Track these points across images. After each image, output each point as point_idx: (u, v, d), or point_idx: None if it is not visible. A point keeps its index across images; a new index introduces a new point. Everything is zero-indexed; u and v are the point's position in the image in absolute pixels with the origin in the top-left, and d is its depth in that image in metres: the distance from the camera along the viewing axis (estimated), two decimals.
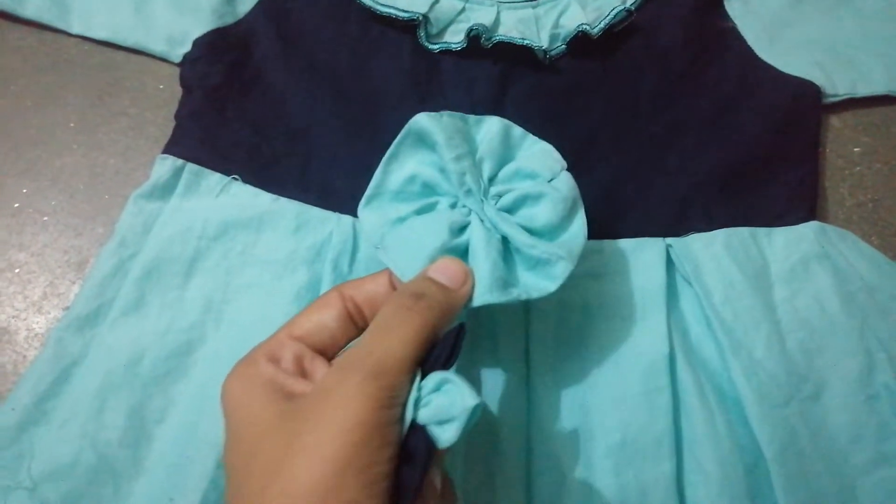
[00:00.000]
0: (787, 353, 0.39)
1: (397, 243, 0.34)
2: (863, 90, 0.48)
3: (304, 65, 0.47)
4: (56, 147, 0.47)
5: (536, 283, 0.34)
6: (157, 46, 0.49)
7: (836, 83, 0.47)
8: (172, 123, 0.46)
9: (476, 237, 0.34)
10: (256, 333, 0.38)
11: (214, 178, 0.44)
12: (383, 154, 0.44)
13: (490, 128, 0.37)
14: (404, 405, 0.27)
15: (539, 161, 0.36)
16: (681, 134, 0.46)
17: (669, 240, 0.43)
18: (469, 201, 0.35)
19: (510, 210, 0.35)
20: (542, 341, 0.40)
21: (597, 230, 0.42)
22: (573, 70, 0.47)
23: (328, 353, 0.31)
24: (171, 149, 0.44)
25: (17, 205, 0.46)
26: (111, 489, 0.36)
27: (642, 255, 0.42)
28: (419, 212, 0.35)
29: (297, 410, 0.26)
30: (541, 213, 0.34)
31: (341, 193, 0.44)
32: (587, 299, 0.41)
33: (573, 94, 0.47)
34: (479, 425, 0.38)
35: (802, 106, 0.47)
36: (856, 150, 0.48)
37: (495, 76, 0.47)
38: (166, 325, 0.40)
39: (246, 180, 0.44)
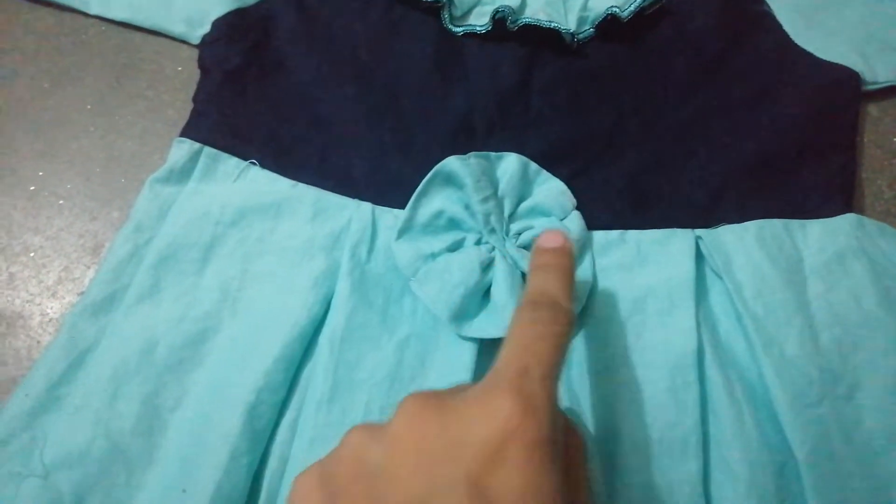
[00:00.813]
0: (821, 350, 0.38)
1: (431, 278, 0.38)
2: None
3: (324, 48, 0.46)
4: (73, 129, 0.47)
5: None
6: (176, 27, 0.48)
7: (877, 70, 0.45)
8: (190, 106, 0.45)
9: (500, 273, 0.38)
10: (273, 322, 0.38)
11: (232, 163, 0.43)
12: (404, 140, 0.44)
13: (509, 165, 0.41)
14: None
15: (553, 200, 0.41)
16: (712, 121, 0.44)
17: (699, 231, 0.41)
18: (492, 238, 0.40)
19: (528, 247, 0.40)
20: None
21: (624, 220, 0.42)
22: (602, 54, 0.46)
23: None
24: (188, 132, 0.44)
25: (32, 188, 0.45)
26: (124, 478, 0.35)
27: (671, 247, 0.41)
28: (450, 248, 0.40)
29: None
30: None
31: (361, 180, 0.43)
32: (613, 292, 0.40)
33: (601, 79, 0.45)
34: None
35: (840, 94, 0.45)
36: (895, 140, 0.46)
37: (521, 60, 0.45)
38: (181, 313, 0.39)
39: (264, 165, 0.43)
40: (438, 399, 0.26)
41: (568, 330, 0.29)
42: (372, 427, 0.26)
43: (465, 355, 0.38)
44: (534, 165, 0.42)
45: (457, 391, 0.27)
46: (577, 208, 0.41)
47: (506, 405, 0.24)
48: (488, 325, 0.38)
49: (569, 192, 0.41)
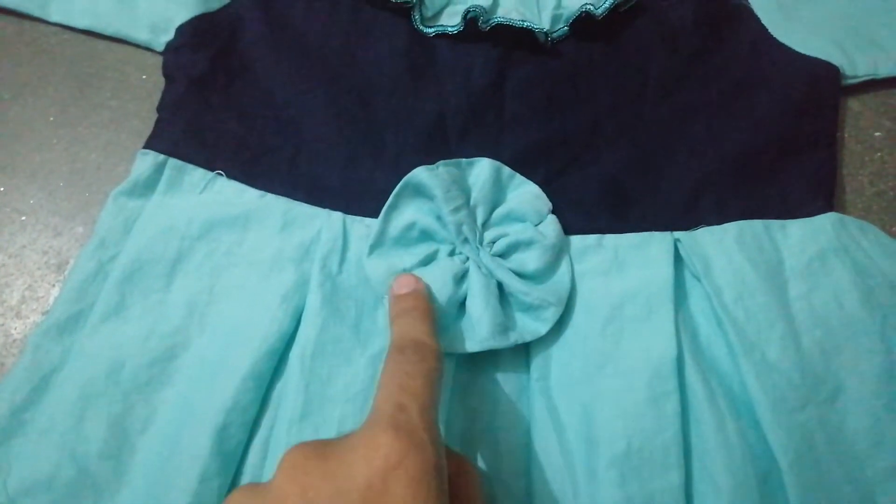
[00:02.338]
0: (803, 353, 0.37)
1: None
2: (885, 70, 0.45)
3: (293, 52, 0.45)
4: (35, 142, 0.45)
5: (528, 326, 0.38)
6: (140, 34, 0.47)
7: (857, 63, 0.44)
8: (156, 116, 0.44)
9: (475, 285, 0.38)
10: (242, 338, 0.37)
11: (198, 174, 0.42)
12: (376, 146, 0.43)
13: (481, 171, 0.41)
14: None
15: (528, 204, 0.40)
16: (691, 120, 0.43)
17: (678, 234, 0.40)
18: (466, 249, 0.39)
19: (503, 255, 0.39)
20: (541, 345, 0.38)
21: (601, 224, 0.41)
22: (576, 53, 0.45)
23: None
24: (152, 143, 0.42)
25: None
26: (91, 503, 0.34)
27: (649, 251, 0.40)
28: (423, 262, 0.39)
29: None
30: (531, 260, 0.38)
31: (331, 188, 0.42)
32: (590, 298, 0.39)
33: (577, 78, 0.44)
34: (477, 435, 0.36)
35: (820, 88, 0.44)
36: (876, 134, 0.45)
37: (494, 61, 0.44)
38: (148, 330, 0.38)
39: (231, 175, 0.42)
40: (320, 448, 0.26)
41: (438, 366, 0.30)
42: (254, 487, 0.26)
43: (447, 361, 0.37)
44: (507, 170, 0.41)
45: (340, 438, 0.27)
46: (553, 212, 0.40)
47: (386, 442, 0.25)
48: (464, 338, 0.37)
49: (544, 196, 0.41)
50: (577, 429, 0.36)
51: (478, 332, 0.36)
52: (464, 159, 0.41)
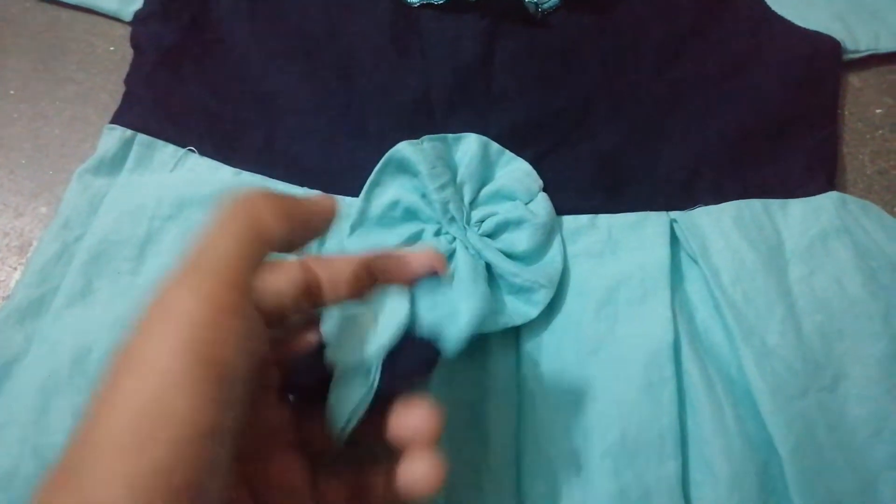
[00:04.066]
0: (804, 338, 0.36)
1: None
2: (886, 44, 0.43)
3: (269, 22, 0.43)
4: None
5: (518, 309, 0.36)
6: (108, 3, 0.45)
7: (858, 37, 0.43)
8: (123, 90, 0.41)
9: (462, 266, 0.35)
10: None
11: (168, 151, 0.40)
12: (357, 122, 0.41)
13: (469, 147, 0.39)
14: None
15: (518, 182, 0.38)
16: (687, 96, 0.42)
17: (674, 214, 0.39)
18: (452, 228, 0.37)
19: (492, 235, 0.37)
20: (532, 329, 0.36)
21: (594, 204, 0.39)
22: (568, 26, 0.43)
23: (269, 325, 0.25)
24: (120, 118, 0.40)
25: None
26: None
27: (644, 232, 0.38)
28: (407, 243, 0.37)
29: None
30: (521, 240, 0.37)
31: (310, 166, 0.40)
32: (583, 281, 0.37)
33: (568, 52, 0.42)
34: (464, 424, 0.35)
35: (821, 63, 0.42)
36: (878, 111, 0.44)
37: (482, 33, 0.42)
38: (116, 316, 0.36)
39: (204, 152, 0.40)
40: None
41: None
42: None
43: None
44: (495, 146, 0.39)
45: None
46: (545, 191, 0.38)
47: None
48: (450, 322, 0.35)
49: (534, 174, 0.39)
50: (570, 417, 0.34)
51: (468, 317, 0.34)
52: (450, 134, 0.39)
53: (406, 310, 0.26)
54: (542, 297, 0.36)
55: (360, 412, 0.24)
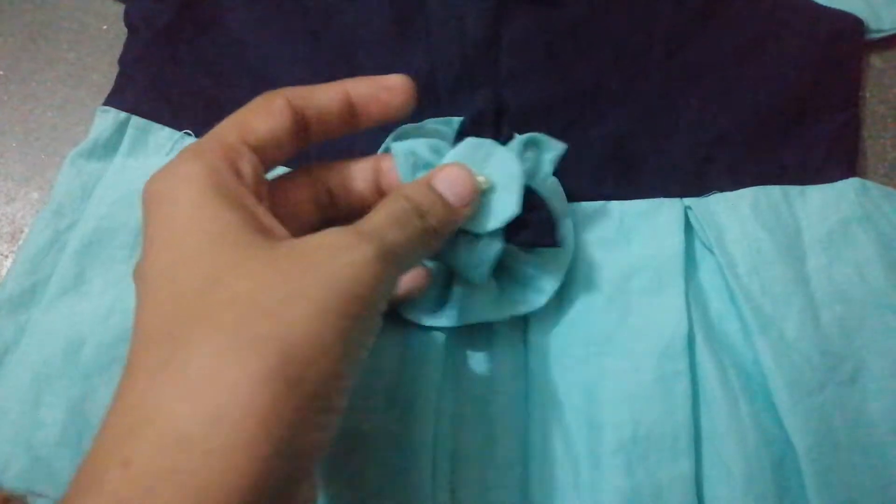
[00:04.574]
0: (822, 330, 0.34)
1: None
2: None
3: (268, 1, 0.41)
4: None
5: (525, 297, 0.34)
6: None
7: (882, 16, 0.41)
8: (117, 70, 0.40)
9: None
10: None
11: (164, 134, 0.39)
12: None
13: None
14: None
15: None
16: (702, 77, 0.40)
17: (688, 200, 0.37)
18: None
19: None
20: (541, 320, 0.35)
21: (606, 190, 0.38)
22: (578, 5, 0.41)
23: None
24: (113, 99, 0.39)
25: None
26: (49, 492, 0.31)
27: (657, 219, 0.37)
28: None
29: (288, 251, 0.23)
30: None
31: (310, 149, 0.38)
32: (594, 270, 0.36)
33: (578, 32, 0.41)
34: (470, 419, 0.33)
35: (843, 43, 0.41)
36: None
37: (488, 12, 0.40)
38: (110, 306, 0.35)
39: (200, 136, 0.38)
40: None
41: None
42: None
43: (438, 338, 0.34)
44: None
45: None
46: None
47: None
48: (454, 310, 0.34)
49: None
50: (580, 413, 0.33)
51: (466, 301, 0.33)
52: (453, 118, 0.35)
53: (520, 180, 0.30)
54: (551, 285, 0.34)
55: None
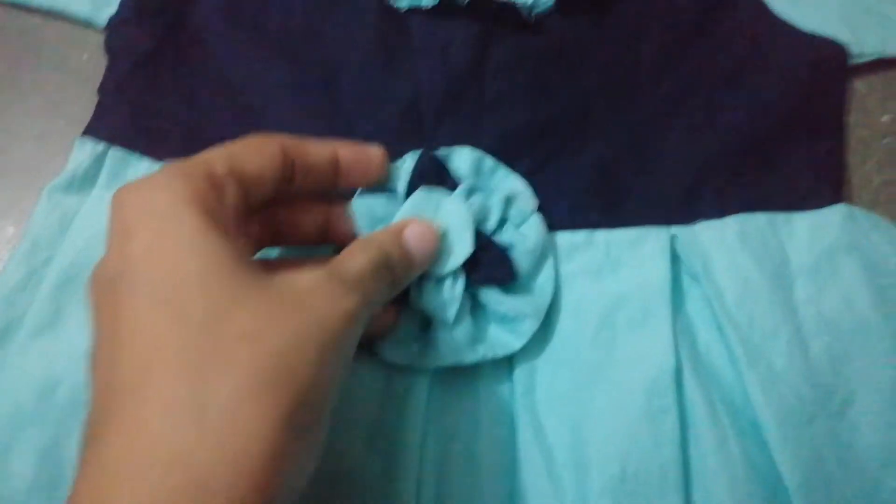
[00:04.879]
0: (811, 361, 0.34)
1: None
2: (894, 48, 0.41)
3: (251, 27, 0.41)
4: None
5: (501, 339, 0.34)
6: (80, 8, 0.42)
7: (864, 41, 0.41)
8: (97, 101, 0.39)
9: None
10: None
11: (144, 165, 0.38)
12: (344, 131, 0.39)
13: (461, 162, 0.36)
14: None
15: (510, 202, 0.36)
16: (688, 103, 0.40)
17: (675, 229, 0.37)
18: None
19: None
20: (526, 356, 0.35)
21: (591, 218, 0.38)
22: (563, 30, 0.41)
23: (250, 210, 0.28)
24: (92, 129, 0.38)
25: None
26: None
27: (643, 248, 0.37)
28: None
29: (281, 292, 0.23)
30: None
31: None
32: (579, 302, 0.36)
33: (563, 58, 0.40)
34: (455, 457, 0.33)
35: (826, 68, 0.40)
36: (884, 118, 0.42)
37: (473, 38, 0.40)
38: (87, 345, 0.34)
39: None
40: None
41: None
42: None
43: (421, 379, 0.34)
44: (489, 161, 0.37)
45: None
46: (540, 205, 0.36)
47: None
48: (428, 352, 0.33)
49: (528, 193, 0.36)
50: (567, 450, 0.33)
51: (443, 344, 0.33)
52: (442, 148, 0.36)
53: (470, 223, 0.33)
54: (527, 328, 0.34)
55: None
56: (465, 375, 0.34)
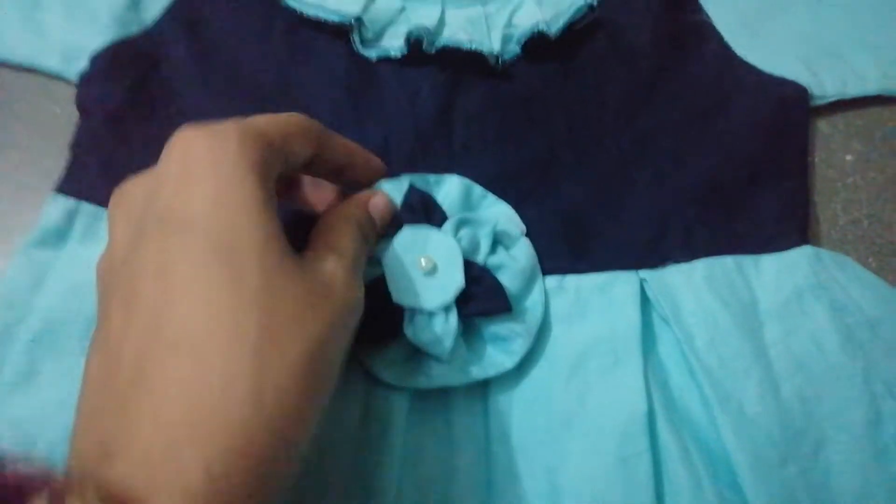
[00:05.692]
0: (783, 403, 0.34)
1: None
2: (853, 90, 0.42)
3: (222, 79, 0.41)
4: None
5: (493, 359, 0.34)
6: (51, 62, 0.42)
7: (825, 83, 0.42)
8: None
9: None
10: None
11: None
12: None
13: (450, 189, 0.37)
14: None
15: (499, 226, 0.36)
16: (653, 147, 0.41)
17: (644, 273, 0.37)
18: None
19: None
20: (501, 402, 0.35)
21: (561, 264, 0.38)
22: (530, 76, 0.42)
23: None
24: (64, 185, 0.38)
25: None
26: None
27: (613, 293, 0.37)
28: None
29: (314, 277, 0.25)
30: None
31: None
32: (551, 348, 0.36)
33: (530, 104, 0.41)
34: (431, 500, 0.33)
35: (789, 110, 0.41)
36: (847, 158, 0.43)
37: (441, 86, 0.41)
38: (62, 401, 0.33)
39: None
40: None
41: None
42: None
43: (398, 419, 0.34)
44: (478, 189, 0.38)
45: None
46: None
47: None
48: (419, 372, 0.33)
49: (517, 218, 0.37)
50: (543, 497, 0.33)
51: (435, 365, 0.33)
52: (432, 175, 0.37)
53: (459, 258, 0.34)
54: (520, 347, 0.34)
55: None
56: (439, 422, 0.34)
